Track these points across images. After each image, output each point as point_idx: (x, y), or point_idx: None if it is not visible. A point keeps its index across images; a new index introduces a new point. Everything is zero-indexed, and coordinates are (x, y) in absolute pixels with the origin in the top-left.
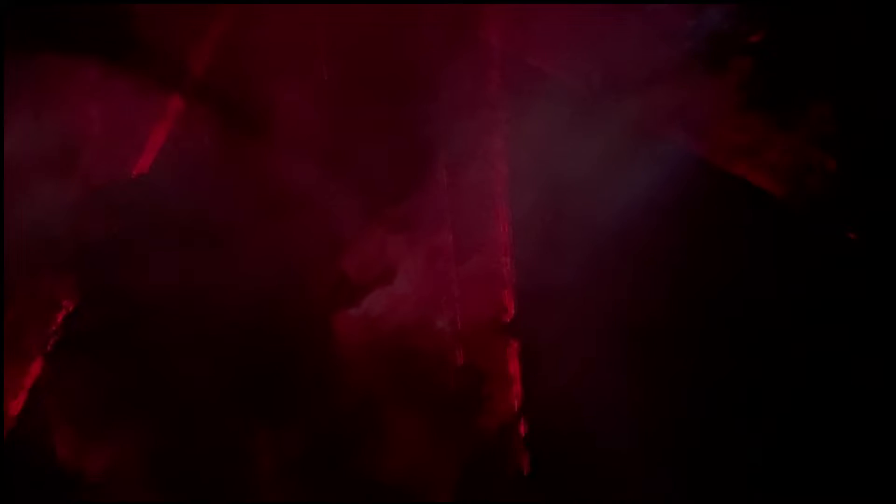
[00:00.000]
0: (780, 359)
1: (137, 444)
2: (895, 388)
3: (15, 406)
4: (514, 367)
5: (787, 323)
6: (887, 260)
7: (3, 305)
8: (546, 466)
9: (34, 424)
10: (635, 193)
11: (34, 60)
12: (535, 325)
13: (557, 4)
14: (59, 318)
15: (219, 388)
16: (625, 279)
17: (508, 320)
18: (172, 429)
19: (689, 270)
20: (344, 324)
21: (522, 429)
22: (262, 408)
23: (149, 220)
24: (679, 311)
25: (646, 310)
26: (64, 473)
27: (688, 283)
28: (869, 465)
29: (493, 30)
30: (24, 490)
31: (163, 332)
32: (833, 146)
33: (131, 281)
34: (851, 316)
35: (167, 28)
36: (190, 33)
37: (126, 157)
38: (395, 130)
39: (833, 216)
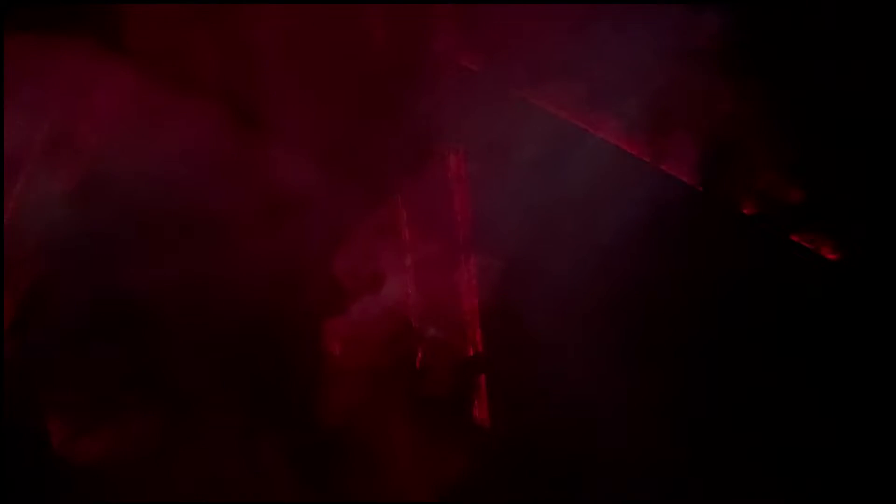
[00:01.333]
0: (778, 357)
1: (129, 436)
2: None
3: (12, 396)
4: (508, 371)
5: (784, 318)
6: (880, 261)
7: (2, 299)
8: (542, 469)
9: (30, 415)
10: (633, 193)
11: (35, 57)
12: (531, 327)
13: (555, 5)
14: (56, 310)
15: (210, 385)
16: (625, 282)
17: (502, 325)
18: (163, 425)
19: (684, 267)
20: (334, 329)
21: (516, 433)
22: (253, 408)
23: (146, 216)
24: (679, 312)
25: (649, 314)
26: (57, 464)
27: (685, 282)
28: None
29: (492, 29)
30: (20, 481)
31: (155, 326)
32: (829, 145)
33: (125, 275)
34: (849, 315)
35: (169, 27)
36: (191, 32)
37: (126, 154)
38: (389, 132)
39: (830, 216)
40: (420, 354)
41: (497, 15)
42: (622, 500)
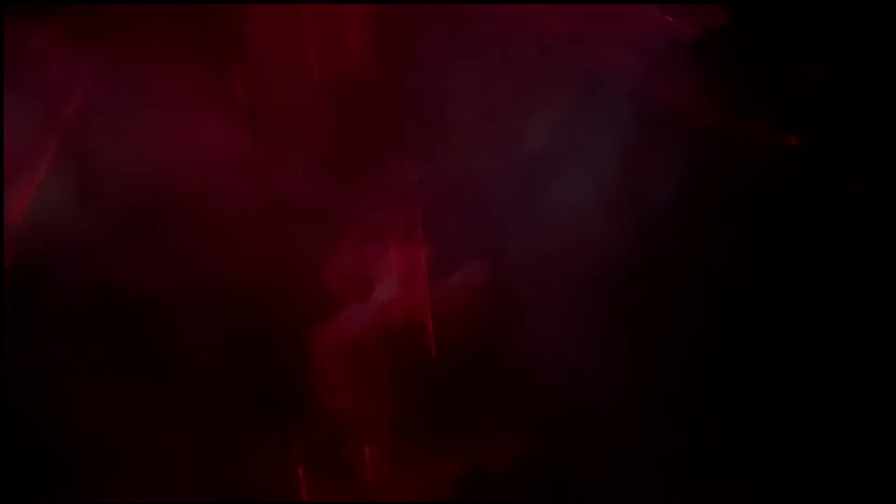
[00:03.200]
0: (778, 351)
1: (126, 433)
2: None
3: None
4: (504, 373)
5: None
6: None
7: (3, 293)
8: (543, 467)
9: (31, 405)
10: (629, 188)
11: (38, 55)
12: (526, 327)
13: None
14: (55, 305)
15: (206, 384)
16: (626, 280)
17: (498, 327)
18: (159, 421)
19: (683, 262)
20: (329, 332)
21: (513, 437)
22: (249, 407)
23: (143, 215)
24: (674, 303)
25: (650, 310)
26: (55, 454)
27: (682, 277)
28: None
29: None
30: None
31: (151, 325)
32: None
33: (119, 274)
34: (850, 294)
35: (168, 26)
36: (192, 31)
37: (129, 153)
38: (381, 134)
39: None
40: (417, 357)
41: (498, 17)
42: (623, 496)
